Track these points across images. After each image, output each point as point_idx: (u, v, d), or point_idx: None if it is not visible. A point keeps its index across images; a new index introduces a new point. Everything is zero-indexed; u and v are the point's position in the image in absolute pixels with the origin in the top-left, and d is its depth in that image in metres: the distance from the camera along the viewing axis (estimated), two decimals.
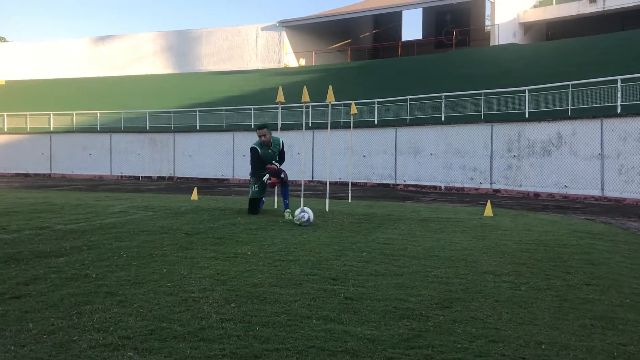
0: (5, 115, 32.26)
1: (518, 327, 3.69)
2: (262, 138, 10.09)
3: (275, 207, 11.42)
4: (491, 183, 19.19)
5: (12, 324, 3.59)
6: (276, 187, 11.04)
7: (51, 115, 31.54)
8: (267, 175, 10.03)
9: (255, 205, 10.22)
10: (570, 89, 18.06)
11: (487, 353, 3.20)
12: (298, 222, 8.56)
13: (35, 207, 11.04)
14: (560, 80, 18.76)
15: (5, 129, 31.95)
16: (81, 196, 14.84)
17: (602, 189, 16.08)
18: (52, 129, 31.17)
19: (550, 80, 19.51)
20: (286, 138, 23.78)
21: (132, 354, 3.09)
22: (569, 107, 17.94)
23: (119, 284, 4.63)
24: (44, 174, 30.17)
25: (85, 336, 3.36)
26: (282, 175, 10.14)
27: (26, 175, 30.14)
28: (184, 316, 3.78)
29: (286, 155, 10.74)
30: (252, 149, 10.13)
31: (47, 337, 3.35)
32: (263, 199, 10.56)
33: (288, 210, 9.90)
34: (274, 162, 10.20)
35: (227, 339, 3.36)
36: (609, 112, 16.43)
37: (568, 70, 21.50)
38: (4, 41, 61.76)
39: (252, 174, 10.25)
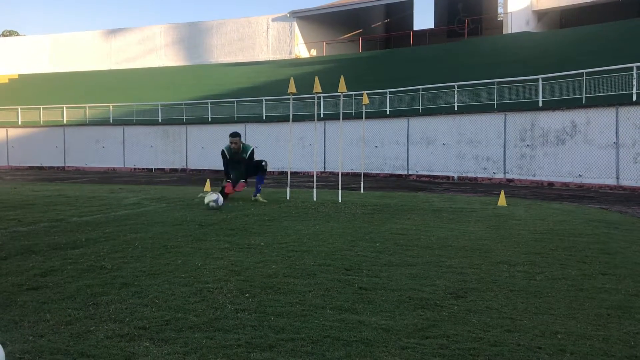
0: (19, 109, 32.53)
1: (533, 316, 3.67)
2: (232, 145, 10.77)
3: (288, 197, 11.44)
4: (505, 173, 19.07)
5: (30, 314, 3.63)
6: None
7: (64, 108, 31.75)
8: (224, 182, 10.76)
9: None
10: (584, 77, 17.85)
11: (502, 342, 3.19)
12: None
13: (50, 200, 11.15)
14: (575, 69, 18.54)
15: (20, 123, 32.23)
16: (95, 188, 14.96)
17: (617, 177, 15.92)
18: (65, 122, 31.40)
19: (564, 69, 19.29)
20: (298, 129, 23.86)
21: (148, 344, 3.12)
22: (584, 96, 17.73)
23: (135, 275, 4.67)
24: (58, 167, 30.43)
25: (102, 326, 3.39)
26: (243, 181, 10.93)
27: (40, 168, 30.42)
28: (199, 306, 3.80)
29: (257, 157, 11.13)
30: (221, 152, 11.02)
31: (64, 327, 3.39)
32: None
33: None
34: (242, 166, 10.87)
35: (242, 329, 3.37)
36: (624, 100, 16.22)
37: (582, 58, 21.23)
38: (17, 35, 62.20)
39: (225, 174, 10.97)
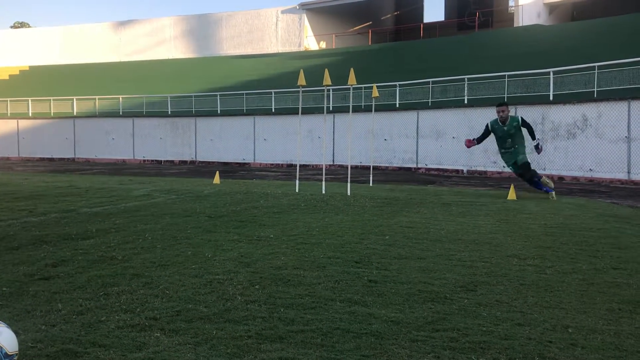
0: (29, 101, 32.69)
1: (544, 310, 3.65)
2: (501, 114, 10.55)
3: (297, 190, 11.42)
4: None
5: (42, 304, 3.66)
6: None
7: (74, 100, 31.89)
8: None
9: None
10: (596, 71, 17.68)
11: (513, 336, 3.18)
12: None
13: (61, 191, 11.22)
14: (586, 62, 18.37)
15: (30, 114, 32.40)
16: (105, 180, 15.03)
17: (629, 172, 15.79)
18: (75, 113, 31.54)
19: (575, 62, 19.12)
20: (307, 122, 23.80)
21: (159, 335, 3.14)
22: (595, 89, 17.58)
23: (145, 266, 4.69)
24: (68, 159, 30.59)
25: (113, 317, 3.41)
26: (527, 178, 10.72)
27: (51, 159, 30.59)
28: (209, 298, 3.82)
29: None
30: (485, 125, 10.98)
31: (76, 317, 3.41)
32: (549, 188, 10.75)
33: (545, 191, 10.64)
34: (509, 140, 10.60)
35: (252, 320, 3.38)
36: (636, 94, 16.07)
37: (594, 51, 21.03)
38: (27, 27, 62.45)
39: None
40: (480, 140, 11.02)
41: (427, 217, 7.83)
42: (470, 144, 10.96)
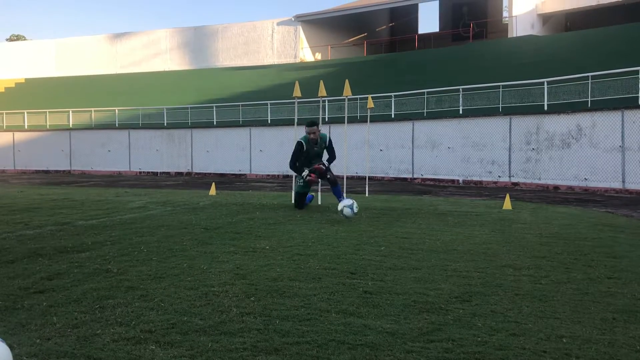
0: (25, 113, 32.68)
1: (539, 320, 3.66)
2: (311, 135, 10.03)
3: (293, 201, 11.42)
4: (510, 176, 19.03)
5: (37, 317, 3.65)
6: (320, 185, 10.91)
7: (70, 112, 31.89)
8: (306, 172, 9.96)
9: (300, 200, 10.24)
10: (590, 81, 17.81)
11: (507, 346, 3.19)
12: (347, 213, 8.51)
13: (57, 203, 11.20)
14: (580, 72, 18.51)
15: (26, 127, 32.38)
16: (101, 192, 15.01)
17: (623, 181, 15.86)
18: (71, 126, 31.53)
19: (569, 72, 19.26)
20: (303, 133, 23.70)
21: (154, 347, 3.13)
22: (589, 99, 17.70)
23: (140, 279, 4.69)
24: (63, 171, 30.54)
25: (108, 330, 3.41)
26: (329, 176, 10.01)
27: (46, 171, 30.54)
28: (204, 310, 3.81)
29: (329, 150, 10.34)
30: (297, 143, 10.12)
31: (71, 330, 3.41)
32: (311, 194, 10.75)
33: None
34: (322, 161, 10.20)
35: (247, 332, 3.38)
36: (629, 104, 16.19)
37: (588, 61, 21.20)
38: (23, 39, 62.56)
39: (291, 167, 10.24)
40: (299, 160, 10.09)
41: (423, 227, 7.85)
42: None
